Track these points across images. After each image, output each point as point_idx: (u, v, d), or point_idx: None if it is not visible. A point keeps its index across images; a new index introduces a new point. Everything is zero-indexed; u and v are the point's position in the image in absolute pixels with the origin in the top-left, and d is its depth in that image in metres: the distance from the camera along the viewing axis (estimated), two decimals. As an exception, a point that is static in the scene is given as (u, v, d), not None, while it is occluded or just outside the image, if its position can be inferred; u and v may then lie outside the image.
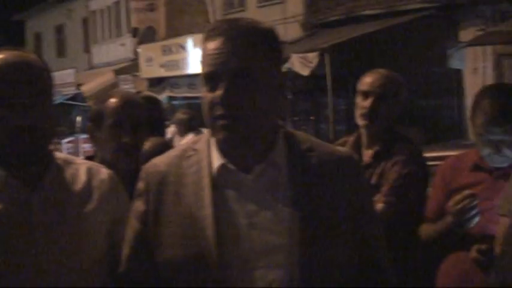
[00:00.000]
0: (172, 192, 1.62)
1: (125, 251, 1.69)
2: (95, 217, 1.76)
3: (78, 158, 1.92)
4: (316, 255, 1.55)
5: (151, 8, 20.99)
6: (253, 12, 14.79)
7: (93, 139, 2.41)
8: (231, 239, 1.56)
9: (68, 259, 1.69)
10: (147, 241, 1.63)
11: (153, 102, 4.68)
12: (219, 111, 1.54)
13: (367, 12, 12.44)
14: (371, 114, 2.85)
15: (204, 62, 1.58)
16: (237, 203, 1.58)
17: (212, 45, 1.56)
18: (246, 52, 1.54)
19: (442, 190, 2.61)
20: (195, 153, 1.65)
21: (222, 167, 1.60)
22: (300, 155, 1.62)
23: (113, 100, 2.35)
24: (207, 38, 1.57)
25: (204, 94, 1.58)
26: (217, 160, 1.61)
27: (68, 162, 1.81)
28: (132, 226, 1.68)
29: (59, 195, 1.73)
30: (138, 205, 1.67)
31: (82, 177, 1.79)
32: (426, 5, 11.28)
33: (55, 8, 28.23)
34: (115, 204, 1.82)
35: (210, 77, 1.56)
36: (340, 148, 1.74)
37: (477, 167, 2.54)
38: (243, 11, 16.52)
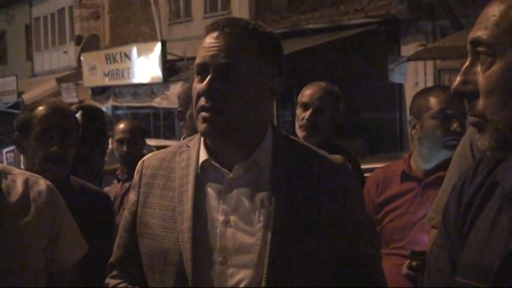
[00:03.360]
0: (161, 185, 1.67)
1: (117, 240, 1.76)
2: (31, 230, 1.72)
3: (15, 169, 1.86)
4: (287, 258, 1.56)
5: (96, 16, 20.75)
6: (199, 22, 14.77)
7: (20, 149, 2.32)
8: (206, 234, 1.59)
9: (3, 272, 1.64)
10: (134, 231, 1.69)
11: (95, 112, 4.63)
12: (202, 103, 1.58)
13: (311, 26, 12.59)
14: (309, 126, 2.92)
15: (198, 55, 1.62)
16: (216, 199, 1.61)
17: (207, 38, 1.60)
18: (237, 49, 1.57)
19: (370, 202, 2.68)
20: (188, 149, 1.69)
21: (206, 162, 1.64)
22: (286, 158, 1.64)
23: (40, 108, 2.27)
24: (206, 32, 1.62)
25: (194, 85, 1.62)
26: (203, 156, 1.65)
27: (4, 173, 1.77)
28: (124, 216, 1.75)
29: None
30: (131, 196, 1.74)
31: (19, 189, 1.75)
32: (369, 20, 11.49)
33: (-4, 13, 27.59)
34: (53, 216, 1.78)
35: (200, 69, 1.60)
36: (333, 156, 1.74)
37: (405, 176, 2.62)
38: (189, 20, 16.49)
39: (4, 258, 1.65)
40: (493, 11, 1.19)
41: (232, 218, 1.59)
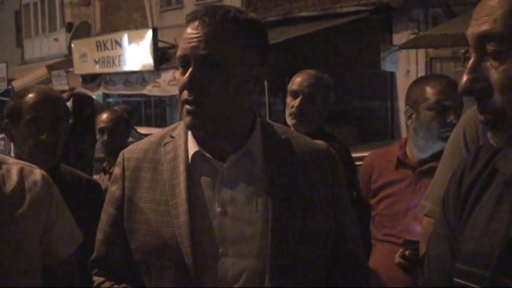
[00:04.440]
0: (148, 178, 1.63)
1: (99, 236, 1.69)
2: (26, 220, 1.69)
3: (10, 158, 1.83)
4: (288, 246, 1.56)
5: (87, 2, 20.61)
6: (190, 10, 14.60)
7: (9, 136, 2.28)
8: (204, 226, 1.57)
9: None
10: (121, 227, 1.64)
11: (86, 99, 4.60)
12: (185, 96, 1.55)
13: (304, 13, 12.56)
14: (299, 114, 2.91)
15: (179, 46, 1.59)
16: (210, 191, 1.59)
17: (188, 29, 1.57)
18: (217, 39, 1.53)
19: (365, 187, 2.70)
20: (172, 140, 1.65)
21: (197, 154, 1.61)
22: (276, 146, 1.63)
23: (30, 95, 2.24)
24: (186, 22, 1.58)
25: (178, 77, 1.60)
26: (192, 147, 1.62)
27: None
28: (106, 211, 1.69)
29: None
30: (114, 190, 1.67)
31: (14, 178, 1.71)
32: (361, 8, 11.48)
33: (-15, 0, 27.36)
34: (48, 206, 1.75)
35: (182, 61, 1.57)
36: (317, 141, 1.75)
37: (400, 163, 2.63)
38: (180, 8, 16.42)
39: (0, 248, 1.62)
40: (498, 2, 1.14)
41: (230, 208, 1.57)
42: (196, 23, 1.55)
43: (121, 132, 3.90)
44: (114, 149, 3.68)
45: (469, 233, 1.24)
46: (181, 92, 1.57)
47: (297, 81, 2.97)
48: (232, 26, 1.55)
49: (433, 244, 1.35)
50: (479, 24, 1.16)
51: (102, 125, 3.90)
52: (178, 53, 1.58)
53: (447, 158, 1.99)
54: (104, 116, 3.97)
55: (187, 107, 1.55)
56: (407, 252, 2.28)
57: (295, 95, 2.95)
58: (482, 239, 1.21)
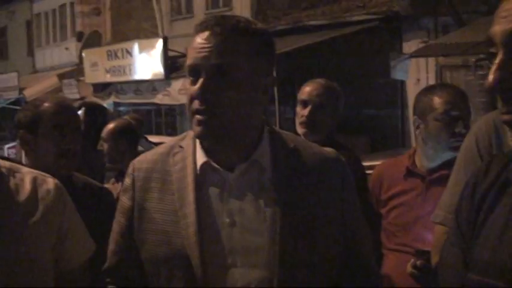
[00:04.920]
0: (157, 189, 1.63)
1: (111, 246, 1.70)
2: (40, 229, 1.69)
3: (23, 167, 1.84)
4: (297, 256, 1.56)
5: (97, 12, 20.73)
6: (200, 19, 14.69)
7: (25, 147, 2.30)
8: (213, 237, 1.56)
9: (11, 271, 1.63)
10: (132, 237, 1.64)
11: (97, 108, 4.64)
12: (195, 106, 1.55)
13: (313, 22, 12.57)
14: (309, 123, 2.93)
15: (188, 55, 1.58)
16: (219, 201, 1.59)
17: (198, 38, 1.56)
18: (228, 49, 1.54)
19: (375, 198, 2.71)
20: (181, 150, 1.65)
21: (205, 164, 1.61)
22: (284, 155, 1.63)
23: (49, 104, 2.28)
24: (195, 31, 1.58)
25: (187, 87, 1.59)
26: (201, 158, 1.62)
27: (12, 171, 1.74)
28: (117, 221, 1.70)
29: (2, 206, 1.67)
30: (124, 200, 1.68)
31: (27, 187, 1.72)
32: (371, 16, 11.47)
33: (-3, 9, 27.56)
34: (61, 215, 1.76)
35: (192, 71, 1.57)
36: (326, 148, 1.74)
37: (410, 173, 2.63)
38: (190, 17, 16.47)
39: (13, 257, 1.63)
40: None
41: (238, 218, 1.57)
42: (207, 33, 1.55)
43: (122, 142, 3.92)
44: (114, 158, 3.80)
45: (483, 243, 1.24)
46: (191, 101, 1.57)
47: (306, 90, 2.98)
48: (243, 36, 1.56)
49: (445, 253, 1.35)
50: (509, 21, 1.14)
51: (103, 134, 3.99)
52: (188, 62, 1.58)
53: (460, 167, 1.98)
54: (107, 126, 4.04)
55: (197, 116, 1.55)
56: (418, 262, 2.27)
57: (305, 104, 2.96)
58: (496, 249, 1.20)
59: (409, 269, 2.31)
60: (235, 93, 1.54)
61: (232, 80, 1.54)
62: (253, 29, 1.58)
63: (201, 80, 1.54)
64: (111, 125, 4.02)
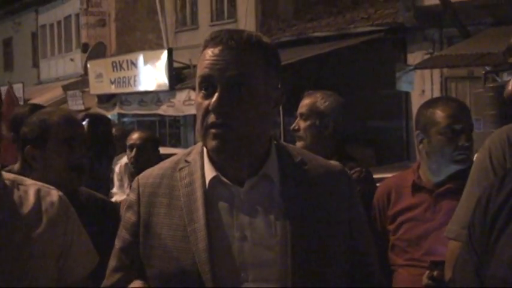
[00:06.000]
0: (164, 204, 1.62)
1: (112, 262, 1.67)
2: (43, 241, 1.68)
3: (27, 179, 1.82)
4: (309, 269, 1.55)
5: (102, 23, 20.81)
6: (205, 30, 14.79)
7: (32, 161, 2.27)
8: (223, 252, 1.55)
9: (15, 283, 1.61)
10: (136, 253, 1.62)
11: (100, 120, 4.62)
12: (211, 119, 1.54)
13: (318, 34, 12.60)
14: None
15: (200, 67, 1.57)
16: (229, 216, 1.58)
17: (210, 52, 1.56)
18: (244, 63, 1.54)
19: (379, 213, 2.68)
20: (188, 165, 1.64)
21: (215, 179, 1.60)
22: (292, 168, 1.62)
23: (56, 118, 2.27)
24: (206, 46, 1.58)
25: (198, 100, 1.57)
26: (210, 172, 1.60)
27: (16, 183, 1.73)
28: (121, 237, 1.67)
29: (6, 218, 1.65)
30: (129, 216, 1.66)
31: (31, 200, 1.71)
32: (375, 28, 11.49)
33: (3, 21, 27.74)
34: (65, 227, 1.74)
35: (205, 82, 1.55)
36: (332, 162, 1.75)
37: (416, 188, 2.61)
38: (195, 29, 16.52)
39: (16, 269, 1.62)
40: None
41: (248, 233, 1.56)
42: (221, 46, 1.55)
43: (148, 151, 4.02)
44: (140, 166, 3.78)
45: (497, 259, 1.22)
46: (205, 115, 1.55)
47: (304, 103, 2.98)
48: (257, 51, 1.57)
49: (458, 269, 1.33)
50: None
51: (130, 142, 4.08)
52: (201, 74, 1.57)
53: (473, 181, 1.97)
54: (134, 133, 4.17)
55: (213, 130, 1.54)
56: (435, 273, 2.26)
57: (302, 117, 2.97)
58: (511, 265, 1.19)
59: (425, 281, 2.30)
60: (251, 106, 1.54)
61: (248, 93, 1.54)
62: (265, 43, 1.60)
63: (217, 93, 1.53)
64: (139, 134, 4.14)
